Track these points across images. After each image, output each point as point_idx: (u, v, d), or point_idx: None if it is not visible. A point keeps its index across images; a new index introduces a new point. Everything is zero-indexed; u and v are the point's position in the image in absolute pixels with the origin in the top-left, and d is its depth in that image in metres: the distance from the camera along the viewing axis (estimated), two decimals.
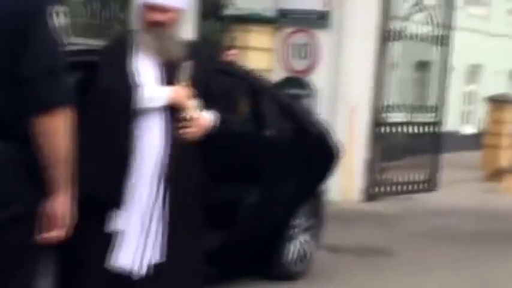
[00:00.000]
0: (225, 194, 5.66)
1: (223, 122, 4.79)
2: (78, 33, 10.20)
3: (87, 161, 4.49)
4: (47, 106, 2.95)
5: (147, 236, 4.53)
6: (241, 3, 12.31)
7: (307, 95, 11.58)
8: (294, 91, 11.37)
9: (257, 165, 6.15)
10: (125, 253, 4.51)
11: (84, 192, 4.42)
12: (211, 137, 4.74)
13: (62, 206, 3.06)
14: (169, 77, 4.65)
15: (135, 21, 4.79)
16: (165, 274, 4.56)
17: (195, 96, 4.66)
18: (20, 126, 2.96)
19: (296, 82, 11.72)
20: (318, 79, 11.65)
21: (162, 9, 4.58)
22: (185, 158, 4.64)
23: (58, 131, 2.98)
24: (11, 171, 2.96)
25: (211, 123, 4.74)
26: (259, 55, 11.85)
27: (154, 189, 4.56)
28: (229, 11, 12.32)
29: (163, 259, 4.56)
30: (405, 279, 7.37)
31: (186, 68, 4.65)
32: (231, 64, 6.71)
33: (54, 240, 3.10)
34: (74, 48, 5.46)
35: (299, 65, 11.84)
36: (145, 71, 4.62)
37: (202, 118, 4.68)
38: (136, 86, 4.57)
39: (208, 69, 4.86)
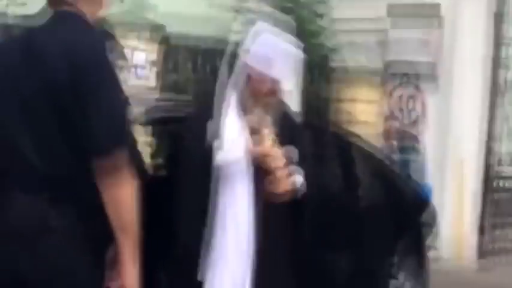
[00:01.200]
0: (316, 260, 5.41)
1: (312, 183, 4.52)
2: (183, 89, 10.21)
3: (174, 223, 4.36)
4: (113, 174, 2.81)
5: None
6: (347, 55, 12.13)
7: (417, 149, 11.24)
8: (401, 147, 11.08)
9: (350, 229, 5.88)
10: None
11: (172, 255, 4.32)
12: (301, 200, 4.49)
13: (129, 279, 2.86)
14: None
15: (233, 78, 4.49)
16: None
17: (280, 150, 4.39)
18: (82, 196, 2.80)
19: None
20: (426, 133, 11.28)
21: (275, 82, 4.38)
22: (275, 222, 4.37)
23: (123, 200, 2.83)
24: (64, 242, 2.79)
25: (299, 184, 4.47)
26: (365, 108, 11.62)
27: (244, 258, 4.29)
28: (335, 64, 12.17)
29: None
30: None
31: (270, 120, 4.41)
32: (320, 120, 6.49)
33: None
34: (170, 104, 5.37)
35: (406, 118, 11.50)
36: (231, 129, 4.38)
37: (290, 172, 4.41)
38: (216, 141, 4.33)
39: (296, 126, 4.62)
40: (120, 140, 2.82)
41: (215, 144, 4.31)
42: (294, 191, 4.44)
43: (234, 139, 4.36)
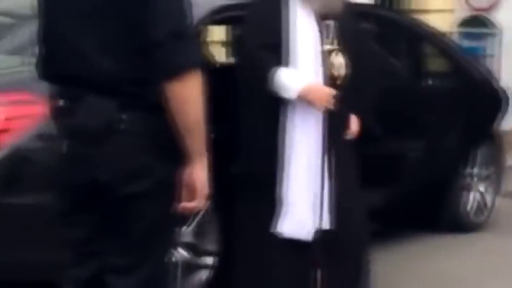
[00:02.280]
0: (387, 149, 5.45)
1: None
2: None
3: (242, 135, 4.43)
4: (175, 71, 2.82)
5: (314, 204, 4.33)
6: None
7: (491, 34, 11.04)
8: (477, 30, 10.89)
9: (419, 116, 5.89)
10: (292, 221, 4.32)
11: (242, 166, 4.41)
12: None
13: (199, 175, 2.96)
14: (322, 38, 4.30)
15: None
16: (335, 240, 4.34)
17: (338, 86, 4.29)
18: (147, 95, 2.86)
19: (479, 21, 11.19)
20: (502, 16, 11.05)
21: None
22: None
23: (188, 97, 2.85)
24: (137, 144, 2.87)
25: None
26: None
27: (320, 157, 4.32)
28: None
29: (332, 226, 4.35)
30: None
31: (332, 28, 4.27)
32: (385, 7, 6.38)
33: (192, 209, 3.04)
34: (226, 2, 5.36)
35: (481, 2, 11.27)
36: (299, 28, 4.26)
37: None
38: (278, 57, 4.21)
39: (357, 23, 4.56)
40: (184, 34, 2.81)
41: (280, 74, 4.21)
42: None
43: (292, 70, 4.24)
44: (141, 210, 2.93)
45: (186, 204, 2.98)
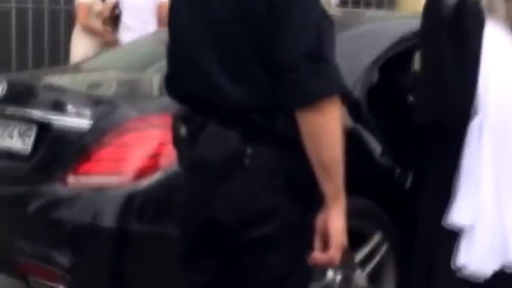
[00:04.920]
0: None
1: None
2: None
3: None
4: (310, 99, 2.42)
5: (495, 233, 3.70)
6: None
7: None
8: None
9: None
10: (473, 253, 3.68)
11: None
12: None
13: (333, 221, 2.53)
14: None
15: None
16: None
17: None
18: (277, 127, 2.50)
19: None
20: None
21: None
22: None
23: (324, 130, 2.44)
24: (262, 183, 2.51)
25: None
26: None
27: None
28: None
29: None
30: None
31: None
32: None
33: (324, 262, 2.59)
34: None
35: None
36: (497, 50, 3.72)
37: None
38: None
39: None
40: (319, 57, 2.43)
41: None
42: None
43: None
44: (264, 258, 2.56)
45: (317, 255, 2.56)
